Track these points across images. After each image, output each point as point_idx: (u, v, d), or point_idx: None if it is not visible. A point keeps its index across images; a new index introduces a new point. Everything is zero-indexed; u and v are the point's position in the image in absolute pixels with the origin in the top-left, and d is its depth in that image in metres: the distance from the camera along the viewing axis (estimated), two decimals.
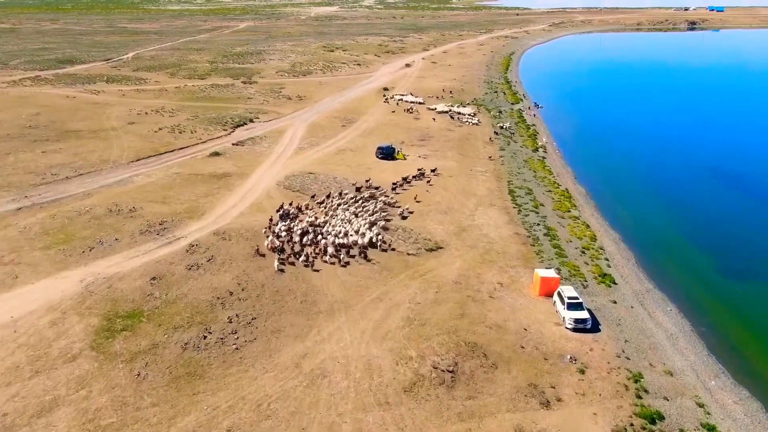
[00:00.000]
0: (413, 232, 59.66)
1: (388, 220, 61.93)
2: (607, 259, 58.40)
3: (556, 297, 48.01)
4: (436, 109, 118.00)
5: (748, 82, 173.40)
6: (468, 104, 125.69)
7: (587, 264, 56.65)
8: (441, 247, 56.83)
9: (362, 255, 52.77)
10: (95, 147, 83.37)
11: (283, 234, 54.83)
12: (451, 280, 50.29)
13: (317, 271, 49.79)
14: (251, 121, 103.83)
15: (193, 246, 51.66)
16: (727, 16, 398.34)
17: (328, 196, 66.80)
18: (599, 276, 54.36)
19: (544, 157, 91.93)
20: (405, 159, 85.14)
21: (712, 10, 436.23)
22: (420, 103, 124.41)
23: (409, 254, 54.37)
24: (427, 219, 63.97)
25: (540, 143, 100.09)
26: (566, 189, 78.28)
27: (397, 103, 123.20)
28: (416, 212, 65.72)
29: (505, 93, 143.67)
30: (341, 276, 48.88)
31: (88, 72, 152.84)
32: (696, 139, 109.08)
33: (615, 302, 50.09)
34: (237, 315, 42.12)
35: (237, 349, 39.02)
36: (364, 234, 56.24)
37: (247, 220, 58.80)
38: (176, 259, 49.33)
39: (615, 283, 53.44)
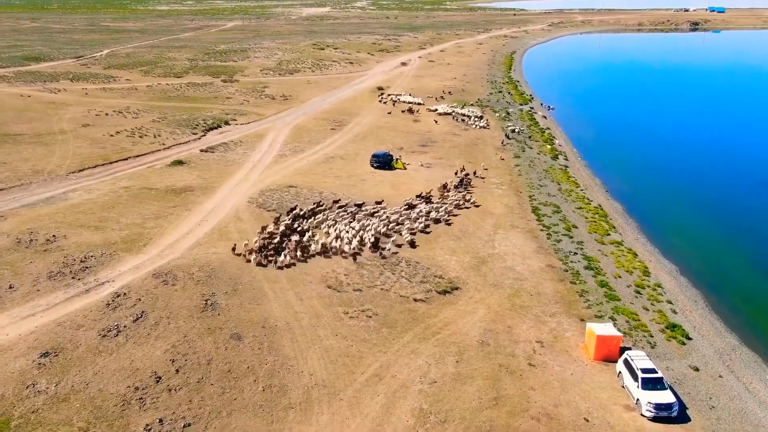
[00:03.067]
0: (420, 266, 46.28)
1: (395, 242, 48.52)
2: (670, 302, 45.16)
3: (622, 366, 34.69)
4: (437, 110, 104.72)
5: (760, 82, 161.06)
6: (472, 105, 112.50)
7: (647, 310, 43.37)
8: (457, 288, 43.48)
9: (354, 258, 39.53)
10: (32, 154, 69.51)
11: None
12: (476, 340, 36.90)
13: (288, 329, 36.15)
14: (227, 123, 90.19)
15: (118, 296, 37.69)
16: (729, 17, 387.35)
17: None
18: (667, 328, 41.06)
19: (566, 166, 78.72)
20: (405, 168, 71.78)
21: (713, 11, 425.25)
22: (419, 103, 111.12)
23: (416, 300, 40.93)
24: (436, 246, 50.65)
25: (559, 149, 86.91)
26: (599, 205, 65.07)
27: (394, 104, 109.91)
28: (422, 237, 52.37)
29: (511, 93, 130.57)
30: (325, 339, 35.17)
31: (53, 70, 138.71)
32: (729, 143, 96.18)
33: (697, 369, 36.81)
34: (161, 420, 27.91)
35: None
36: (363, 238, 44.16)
37: (203, 254, 45.11)
38: (88, 320, 35.12)
39: (689, 339, 40.18)
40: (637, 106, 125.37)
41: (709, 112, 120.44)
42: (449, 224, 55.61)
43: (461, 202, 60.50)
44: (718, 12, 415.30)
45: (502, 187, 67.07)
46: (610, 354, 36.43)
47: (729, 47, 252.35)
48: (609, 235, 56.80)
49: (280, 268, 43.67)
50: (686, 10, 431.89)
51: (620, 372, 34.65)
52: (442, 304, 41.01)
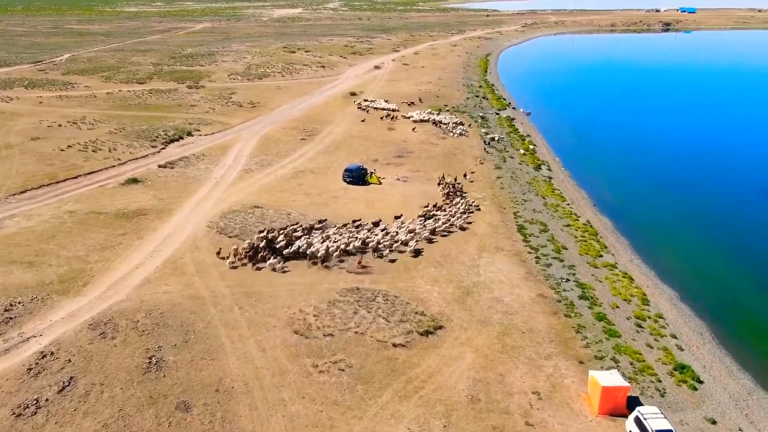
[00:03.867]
0: (398, 300, 41.47)
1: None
2: (674, 336, 40.97)
3: (633, 425, 30.25)
4: (412, 117, 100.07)
5: (736, 81, 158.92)
6: (449, 110, 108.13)
7: (651, 347, 39.10)
8: (440, 326, 38.80)
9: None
10: None
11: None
12: (464, 395, 32.22)
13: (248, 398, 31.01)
14: (189, 134, 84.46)
15: (44, 357, 32.06)
16: (701, 18, 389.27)
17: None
18: (675, 370, 36.80)
19: (549, 177, 74.56)
20: (380, 183, 66.93)
21: (684, 11, 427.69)
22: (394, 110, 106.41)
23: (395, 345, 36.10)
24: (416, 275, 45.88)
25: (541, 158, 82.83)
26: (588, 221, 60.92)
27: (367, 111, 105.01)
28: (399, 262, 47.66)
29: (487, 97, 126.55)
30: (290, 403, 29.98)
31: (8, 76, 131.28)
32: (714, 144, 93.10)
33: (714, 422, 32.61)
34: None
35: None
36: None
37: (152, 294, 39.69)
38: (2, 392, 29.42)
39: (700, 382, 35.98)
40: (614, 109, 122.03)
41: (690, 113, 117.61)
42: (433, 242, 51.01)
43: (466, 208, 59.62)
44: (689, 12, 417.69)
45: (485, 203, 62.54)
46: (616, 407, 32.08)
47: (704, 47, 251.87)
48: (601, 256, 52.58)
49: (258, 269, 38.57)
50: (657, 11, 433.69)
51: None
52: (425, 348, 36.23)
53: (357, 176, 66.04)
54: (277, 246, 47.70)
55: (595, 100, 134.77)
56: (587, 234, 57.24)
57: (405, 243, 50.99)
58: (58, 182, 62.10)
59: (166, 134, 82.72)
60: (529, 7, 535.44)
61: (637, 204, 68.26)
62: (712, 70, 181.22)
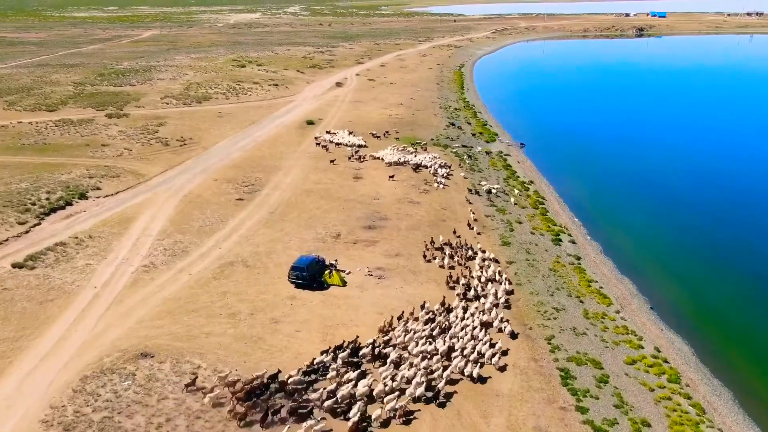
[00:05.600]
0: None
1: None
2: None
3: None
4: (383, 158, 79.20)
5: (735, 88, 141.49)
6: (426, 144, 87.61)
7: None
8: None
9: None
10: None
11: None
12: None
13: None
14: (83, 196, 62.05)
15: None
16: (673, 22, 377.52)
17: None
18: None
19: (578, 257, 54.20)
20: (343, 285, 45.60)
21: (654, 15, 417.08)
22: (361, 146, 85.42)
23: None
24: None
25: (557, 221, 62.67)
26: (657, 349, 40.53)
27: (327, 149, 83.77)
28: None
29: (470, 123, 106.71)
30: None
31: None
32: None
33: None
34: None
35: None
36: None
37: None
38: None
39: None
40: (622, 132, 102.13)
41: (720, 142, 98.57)
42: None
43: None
44: (660, 17, 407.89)
45: (501, 322, 41.74)
46: None
47: (691, 53, 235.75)
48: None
49: None
50: (627, 15, 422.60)
51: None
52: None
53: (310, 276, 44.66)
54: None
55: (596, 120, 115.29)
56: (668, 379, 36.95)
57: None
58: None
59: (48, 198, 60.17)
60: (491, 11, 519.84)
61: (718, 312, 48.28)
62: (723, 76, 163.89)
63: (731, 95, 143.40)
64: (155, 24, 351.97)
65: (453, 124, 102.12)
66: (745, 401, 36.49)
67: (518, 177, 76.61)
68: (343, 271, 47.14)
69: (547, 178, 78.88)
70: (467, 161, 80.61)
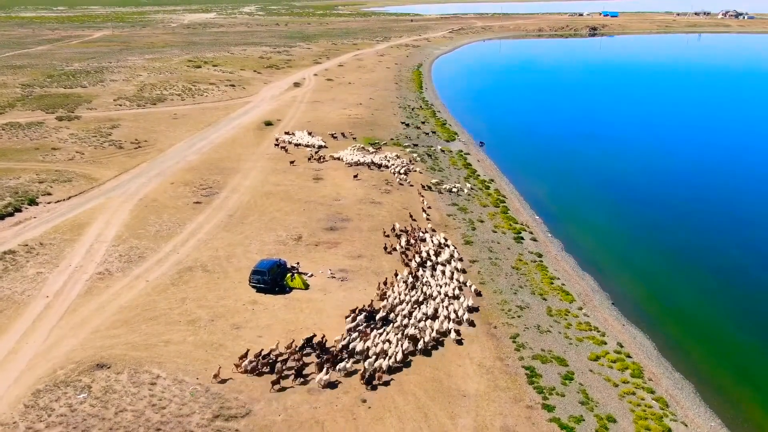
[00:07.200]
0: None
1: None
2: None
3: None
4: (343, 159, 78.56)
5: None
6: (386, 144, 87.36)
7: None
8: None
9: None
10: None
11: None
12: None
13: None
14: (33, 202, 59.83)
15: None
16: (625, 22, 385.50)
17: None
18: None
19: (539, 254, 54.53)
20: (306, 288, 44.86)
21: (607, 15, 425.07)
22: (320, 146, 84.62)
23: None
24: None
25: (517, 218, 63.02)
26: (620, 345, 40.91)
27: (287, 150, 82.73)
28: None
29: (429, 122, 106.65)
30: None
31: None
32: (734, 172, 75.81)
33: None
34: None
35: None
36: None
37: None
38: None
39: None
40: (581, 130, 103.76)
41: (690, 141, 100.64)
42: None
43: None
44: (612, 17, 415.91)
45: (464, 317, 41.63)
46: None
47: (644, 52, 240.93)
48: None
49: None
50: (581, 15, 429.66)
51: None
52: None
53: (272, 280, 43.79)
54: None
55: (554, 118, 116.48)
56: (632, 375, 37.25)
57: None
58: None
59: None
60: (451, 11, 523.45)
61: (678, 298, 49.07)
62: (681, 73, 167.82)
63: (687, 93, 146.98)
64: (107, 24, 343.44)
65: (412, 124, 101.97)
66: (705, 393, 37.04)
67: (479, 175, 76.87)
68: (306, 274, 46.42)
69: (507, 176, 79.38)
70: (428, 160, 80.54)
